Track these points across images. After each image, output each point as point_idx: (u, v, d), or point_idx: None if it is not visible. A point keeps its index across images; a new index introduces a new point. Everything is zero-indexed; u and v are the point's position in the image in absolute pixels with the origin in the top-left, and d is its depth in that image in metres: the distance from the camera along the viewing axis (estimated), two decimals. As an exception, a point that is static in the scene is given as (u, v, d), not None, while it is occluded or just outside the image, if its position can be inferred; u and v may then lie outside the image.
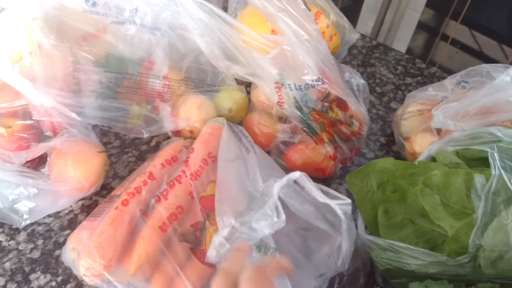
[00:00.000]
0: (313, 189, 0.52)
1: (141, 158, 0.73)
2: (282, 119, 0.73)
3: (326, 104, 0.68)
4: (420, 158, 0.63)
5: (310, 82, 0.65)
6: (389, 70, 0.96)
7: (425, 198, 0.54)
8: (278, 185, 0.50)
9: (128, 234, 0.54)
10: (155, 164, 0.60)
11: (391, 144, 0.82)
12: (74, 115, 0.62)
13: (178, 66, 0.70)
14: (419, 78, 0.96)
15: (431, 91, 0.77)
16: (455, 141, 0.61)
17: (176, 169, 0.60)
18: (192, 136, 0.74)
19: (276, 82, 0.66)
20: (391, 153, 0.80)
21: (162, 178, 0.60)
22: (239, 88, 0.77)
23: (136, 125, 0.69)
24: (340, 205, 0.52)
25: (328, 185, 0.74)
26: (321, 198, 0.52)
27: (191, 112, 0.72)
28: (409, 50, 1.15)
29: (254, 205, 0.50)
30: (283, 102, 0.66)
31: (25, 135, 0.64)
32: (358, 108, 0.73)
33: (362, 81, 0.79)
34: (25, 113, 0.65)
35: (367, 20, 1.13)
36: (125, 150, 0.74)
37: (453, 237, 0.52)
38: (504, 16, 1.07)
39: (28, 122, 0.65)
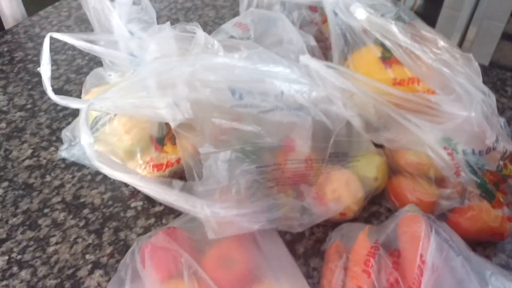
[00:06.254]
0: None
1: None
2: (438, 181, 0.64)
3: (501, 162, 0.60)
4: None
5: (491, 145, 0.57)
6: (500, 94, 0.88)
7: None
8: None
9: None
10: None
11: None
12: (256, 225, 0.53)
13: (324, 145, 0.61)
14: (532, 97, 0.88)
15: None
16: None
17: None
18: (342, 218, 0.65)
19: (445, 148, 0.58)
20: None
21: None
22: (377, 152, 0.68)
23: (291, 218, 0.60)
24: None
25: (502, 248, 0.66)
26: None
27: (339, 191, 0.63)
28: (492, 62, 1.08)
29: None
30: (460, 171, 0.58)
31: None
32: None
33: (501, 118, 0.70)
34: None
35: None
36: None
37: None
38: None
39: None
